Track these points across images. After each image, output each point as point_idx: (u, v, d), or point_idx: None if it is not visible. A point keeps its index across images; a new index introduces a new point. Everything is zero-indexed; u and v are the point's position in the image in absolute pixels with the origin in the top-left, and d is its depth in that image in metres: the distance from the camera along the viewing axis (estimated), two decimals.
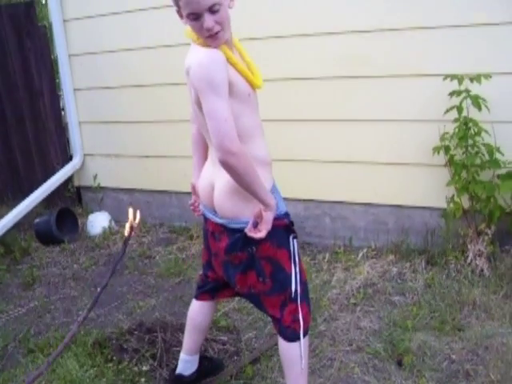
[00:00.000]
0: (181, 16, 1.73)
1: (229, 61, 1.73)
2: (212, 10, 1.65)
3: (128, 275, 3.58)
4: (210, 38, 1.70)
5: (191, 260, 3.72)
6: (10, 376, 2.55)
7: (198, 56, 1.71)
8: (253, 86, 1.85)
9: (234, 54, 1.84)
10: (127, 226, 1.67)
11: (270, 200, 1.78)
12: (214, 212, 1.95)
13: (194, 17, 1.67)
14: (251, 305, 2.91)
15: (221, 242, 1.96)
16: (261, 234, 1.78)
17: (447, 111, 3.09)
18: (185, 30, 1.79)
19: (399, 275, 3.27)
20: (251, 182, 1.73)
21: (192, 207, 2.26)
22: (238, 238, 1.88)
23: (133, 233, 1.69)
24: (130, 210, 1.70)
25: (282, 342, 2.04)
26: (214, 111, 1.66)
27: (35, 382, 1.80)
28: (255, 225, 1.80)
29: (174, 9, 1.73)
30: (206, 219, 2.05)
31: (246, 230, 1.81)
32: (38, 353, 2.73)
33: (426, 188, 3.43)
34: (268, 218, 1.78)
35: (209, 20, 1.65)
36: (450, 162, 3.20)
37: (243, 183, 1.74)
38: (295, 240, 1.96)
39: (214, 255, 2.07)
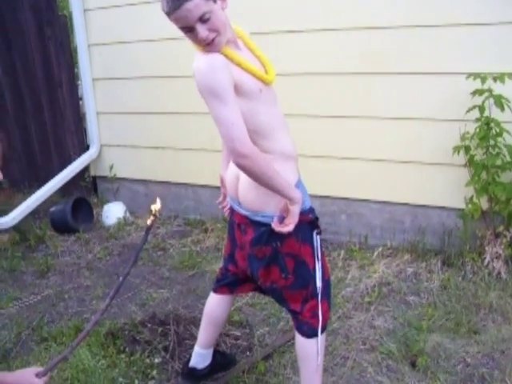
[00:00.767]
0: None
1: (232, 61, 1.71)
2: (203, 20, 1.62)
3: (142, 267, 3.58)
4: (208, 46, 1.68)
5: (205, 253, 3.71)
6: (23, 363, 2.57)
7: (198, 64, 1.69)
8: (263, 82, 1.81)
9: (241, 50, 1.82)
10: (151, 214, 1.67)
11: (295, 194, 1.77)
12: (239, 204, 1.95)
13: (187, 30, 1.66)
14: (265, 300, 2.93)
15: (247, 234, 1.96)
16: (288, 227, 1.77)
17: (469, 110, 3.04)
18: None
19: (415, 275, 3.23)
20: (270, 180, 1.73)
21: (220, 206, 2.25)
22: (263, 231, 1.87)
23: (155, 222, 1.69)
24: (158, 200, 1.71)
25: (299, 338, 2.04)
26: (220, 117, 1.66)
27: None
28: (281, 219, 1.79)
29: None
30: (232, 211, 2.05)
31: (273, 225, 1.80)
32: (51, 341, 2.75)
33: (445, 188, 3.38)
34: (294, 211, 1.77)
35: (202, 30, 1.63)
36: (470, 163, 3.15)
37: (262, 182, 1.74)
38: (319, 236, 1.95)
39: (239, 248, 2.07)
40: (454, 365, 2.42)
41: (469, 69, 3.04)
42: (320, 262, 1.95)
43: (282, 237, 1.83)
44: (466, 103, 3.06)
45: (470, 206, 3.18)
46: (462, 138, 3.14)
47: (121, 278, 1.74)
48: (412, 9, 3.21)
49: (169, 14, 1.63)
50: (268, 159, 1.74)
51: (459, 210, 3.28)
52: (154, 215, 1.73)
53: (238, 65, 1.73)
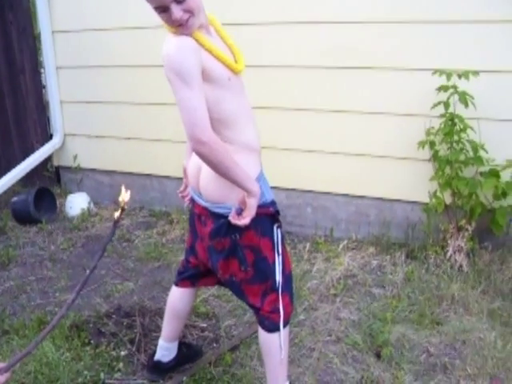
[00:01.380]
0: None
1: (203, 47, 1.69)
2: (178, 1, 1.61)
3: (106, 258, 3.52)
4: (181, 27, 1.66)
5: (171, 244, 3.69)
6: None
7: (168, 46, 1.68)
8: (233, 71, 1.80)
9: (212, 37, 1.80)
10: (119, 205, 1.63)
11: (253, 186, 1.76)
12: (200, 194, 1.93)
13: (161, 9, 1.63)
14: (231, 292, 2.91)
15: (206, 226, 1.94)
16: (244, 220, 1.76)
17: (434, 106, 3.09)
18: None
19: (379, 268, 3.28)
20: (227, 169, 1.71)
21: (180, 194, 2.21)
22: (222, 223, 1.86)
23: (123, 214, 1.65)
24: (123, 189, 1.67)
25: (261, 332, 2.03)
26: (183, 101, 1.64)
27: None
28: (239, 211, 1.78)
29: None
30: (193, 202, 2.03)
31: (230, 217, 1.79)
32: (13, 334, 2.68)
33: (409, 182, 3.44)
34: (251, 204, 1.76)
35: (176, 11, 1.62)
36: (435, 157, 3.21)
37: (219, 171, 1.73)
38: (279, 229, 1.94)
39: (199, 239, 2.05)
40: (417, 355, 2.47)
41: (435, 65, 3.08)
42: (280, 256, 1.94)
43: (240, 229, 1.81)
44: (432, 99, 3.11)
45: (433, 200, 3.24)
46: (427, 133, 3.20)
47: (87, 272, 1.70)
48: (380, 5, 3.23)
49: None
50: (227, 149, 1.73)
51: (423, 204, 3.35)
52: (122, 208, 1.69)
53: (209, 51, 1.71)
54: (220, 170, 1.72)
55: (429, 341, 2.57)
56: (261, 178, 1.89)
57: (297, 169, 3.71)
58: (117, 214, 1.69)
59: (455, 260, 3.17)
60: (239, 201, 1.78)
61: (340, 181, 3.63)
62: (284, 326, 1.98)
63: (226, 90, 1.77)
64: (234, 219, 1.78)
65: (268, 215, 1.90)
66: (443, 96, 3.06)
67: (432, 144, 3.19)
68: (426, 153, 3.22)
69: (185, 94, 1.63)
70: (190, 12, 1.64)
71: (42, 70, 4.55)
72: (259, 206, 1.80)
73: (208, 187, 1.87)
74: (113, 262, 3.50)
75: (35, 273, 3.39)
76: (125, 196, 1.67)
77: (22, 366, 2.40)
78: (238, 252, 1.90)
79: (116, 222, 1.71)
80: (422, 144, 3.19)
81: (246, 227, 1.79)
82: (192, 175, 1.96)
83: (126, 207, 1.67)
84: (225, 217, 1.83)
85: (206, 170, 1.83)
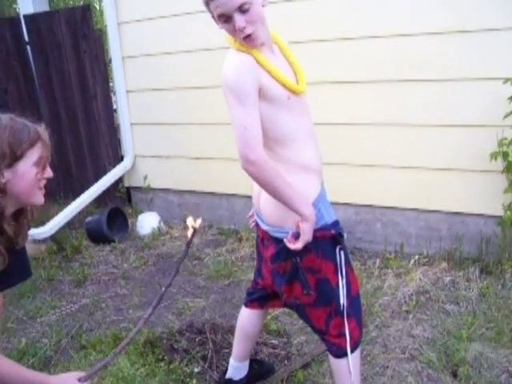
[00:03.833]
0: (216, 21, 1.72)
1: (263, 67, 1.69)
2: (242, 10, 1.62)
3: (177, 276, 3.58)
4: (244, 40, 1.67)
5: (240, 262, 3.72)
6: (63, 370, 2.60)
7: (227, 64, 1.70)
8: (293, 92, 1.77)
9: (275, 56, 1.79)
10: (190, 228, 1.69)
11: (305, 210, 1.71)
12: (261, 216, 1.92)
13: (225, 18, 1.65)
14: None
15: (268, 249, 1.93)
16: (297, 245, 1.73)
17: (506, 116, 3.00)
18: (226, 35, 1.76)
19: (452, 283, 3.19)
20: (276, 190, 1.69)
21: (248, 215, 2.19)
22: (281, 247, 1.83)
23: (195, 236, 1.71)
24: (189, 219, 1.72)
25: (330, 356, 2.00)
26: (235, 119, 1.65)
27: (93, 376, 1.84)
28: (296, 235, 1.75)
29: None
30: (258, 225, 2.01)
31: (285, 240, 1.76)
32: (91, 349, 2.77)
33: (482, 195, 3.33)
34: (305, 229, 1.71)
35: (239, 20, 1.63)
36: (508, 169, 3.11)
37: (268, 191, 1.71)
38: (343, 251, 1.87)
39: (264, 262, 2.04)
40: (497, 375, 2.38)
41: (506, 74, 3.00)
42: (344, 279, 1.88)
43: (301, 252, 1.77)
44: (504, 109, 3.02)
45: (508, 212, 3.13)
46: (500, 143, 3.10)
47: (163, 289, 1.76)
48: (447, 15, 3.18)
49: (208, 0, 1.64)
50: (278, 170, 1.69)
51: (497, 217, 3.23)
52: (194, 229, 1.74)
53: (268, 72, 1.71)
54: (269, 190, 1.70)
55: (509, 360, 2.47)
56: (320, 200, 1.84)
57: (365, 185, 3.67)
58: (189, 234, 1.74)
59: None
60: (296, 224, 1.75)
61: (409, 195, 3.56)
62: (352, 351, 1.93)
63: (285, 109, 1.75)
64: (289, 243, 1.75)
65: (329, 238, 1.84)
66: None
67: (505, 155, 3.09)
68: (499, 164, 3.12)
69: (238, 112, 1.65)
70: (253, 24, 1.65)
71: (113, 95, 4.73)
72: (319, 229, 1.77)
73: (267, 210, 1.86)
74: (184, 279, 3.56)
75: (109, 290, 3.50)
76: (195, 223, 1.73)
77: (99, 381, 2.47)
78: (300, 275, 1.86)
79: (188, 243, 1.76)
80: (494, 155, 3.09)
81: (307, 250, 1.77)
82: (255, 197, 1.95)
83: (198, 227, 1.73)
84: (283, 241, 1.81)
85: (265, 192, 1.81)
